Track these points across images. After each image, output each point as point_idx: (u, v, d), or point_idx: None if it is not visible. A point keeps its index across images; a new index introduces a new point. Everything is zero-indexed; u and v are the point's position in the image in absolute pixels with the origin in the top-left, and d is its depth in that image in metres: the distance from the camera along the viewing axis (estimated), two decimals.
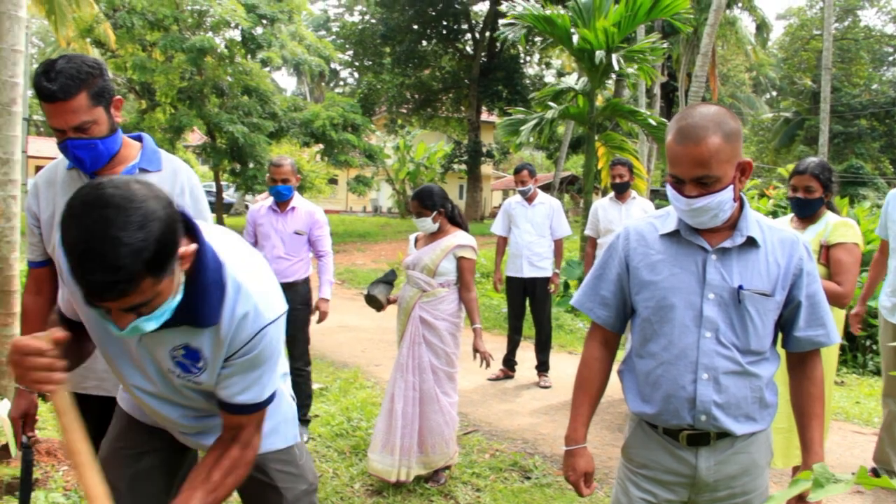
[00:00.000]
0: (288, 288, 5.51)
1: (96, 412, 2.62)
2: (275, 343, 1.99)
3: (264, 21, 23.08)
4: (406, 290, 4.79)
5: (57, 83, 2.40)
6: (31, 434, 2.58)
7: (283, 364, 2.30)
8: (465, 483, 4.78)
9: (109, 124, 2.56)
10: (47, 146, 44.43)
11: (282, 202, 5.58)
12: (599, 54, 10.58)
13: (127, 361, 2.08)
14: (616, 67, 10.67)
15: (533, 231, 7.46)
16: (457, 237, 4.74)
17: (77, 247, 1.55)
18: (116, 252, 1.53)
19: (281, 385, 2.28)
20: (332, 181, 38.45)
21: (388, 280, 4.99)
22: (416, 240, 4.94)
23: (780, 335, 2.36)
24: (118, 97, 2.60)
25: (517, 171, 7.60)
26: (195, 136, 31.86)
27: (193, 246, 1.77)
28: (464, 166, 35.46)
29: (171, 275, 1.69)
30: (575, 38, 10.72)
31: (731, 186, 2.11)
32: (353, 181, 27.86)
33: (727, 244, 2.21)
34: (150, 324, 1.73)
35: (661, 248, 2.28)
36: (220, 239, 1.97)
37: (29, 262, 2.84)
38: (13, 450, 4.51)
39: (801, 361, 2.34)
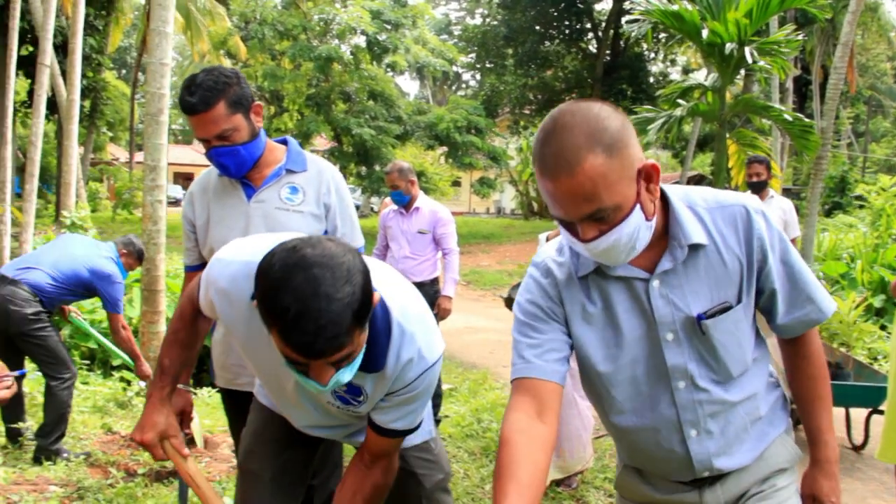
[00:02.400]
0: (419, 286, 5.61)
1: (247, 406, 2.72)
2: (433, 380, 2.03)
3: (388, 26, 23.50)
4: None
5: (196, 96, 2.53)
6: (186, 431, 2.69)
7: None
8: (598, 488, 4.71)
9: (250, 130, 2.66)
10: (184, 153, 46.68)
11: (405, 204, 5.73)
12: (730, 47, 10.24)
13: (284, 398, 2.19)
14: (749, 61, 10.29)
15: None
16: None
17: (289, 310, 1.56)
18: (331, 308, 1.56)
19: None
20: (456, 183, 38.73)
21: None
22: (547, 239, 4.87)
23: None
24: (257, 103, 2.69)
25: None
26: (321, 141, 32.76)
27: (378, 293, 1.79)
28: None
29: (367, 323, 1.74)
30: (704, 33, 10.42)
31: (638, 207, 1.56)
32: (476, 183, 27.98)
33: (667, 265, 1.68)
34: (346, 374, 1.75)
35: (586, 293, 1.76)
36: (382, 279, 1.98)
37: (186, 266, 2.98)
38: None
39: (792, 342, 1.85)
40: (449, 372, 7.49)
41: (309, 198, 2.80)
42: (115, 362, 6.56)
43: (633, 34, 11.52)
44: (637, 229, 1.56)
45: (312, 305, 1.55)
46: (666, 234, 1.68)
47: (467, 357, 8.43)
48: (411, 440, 2.34)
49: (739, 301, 1.70)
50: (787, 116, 10.78)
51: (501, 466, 1.60)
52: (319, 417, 2.20)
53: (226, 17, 26.08)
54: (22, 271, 4.77)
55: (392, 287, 1.99)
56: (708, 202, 1.71)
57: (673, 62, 36.10)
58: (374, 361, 1.90)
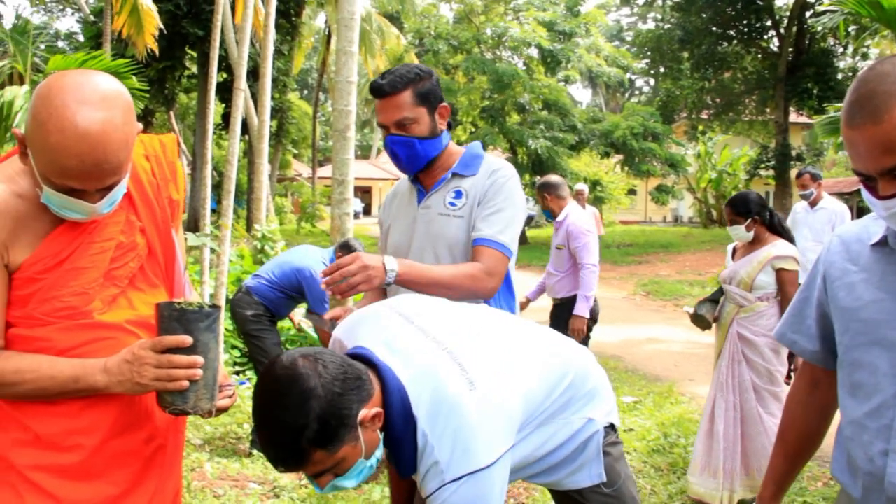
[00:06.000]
0: (561, 303, 5.65)
1: None
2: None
3: (561, 37, 23.44)
4: (725, 306, 4.58)
5: (386, 79, 2.58)
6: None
7: (603, 404, 2.22)
8: None
9: (431, 127, 2.62)
10: (362, 167, 48.38)
11: (551, 218, 5.76)
12: None
13: None
14: None
15: (810, 236, 6.99)
16: (775, 247, 4.41)
17: (256, 427, 1.72)
18: (278, 431, 1.65)
19: (593, 413, 2.18)
20: (632, 192, 38.07)
21: (715, 298, 4.79)
22: (734, 251, 4.70)
23: None
24: (445, 105, 2.66)
25: (798, 176, 7.46)
26: (497, 153, 33.16)
27: (375, 410, 1.75)
28: (771, 172, 33.40)
29: (352, 442, 1.71)
30: None
31: None
32: (654, 191, 27.38)
33: None
34: (348, 482, 1.77)
35: (868, 263, 1.63)
36: (426, 373, 1.85)
37: None
38: None
39: None
40: (632, 384, 7.33)
41: (471, 202, 2.72)
42: None
43: (821, 28, 10.87)
44: None
45: (265, 426, 1.68)
46: None
47: (651, 369, 8.20)
48: (579, 482, 2.21)
49: None
50: None
51: (778, 428, 1.93)
52: None
53: (400, 36, 26.96)
54: (250, 279, 5.34)
55: (429, 387, 1.82)
56: None
57: (865, 56, 33.81)
58: (404, 469, 1.87)
